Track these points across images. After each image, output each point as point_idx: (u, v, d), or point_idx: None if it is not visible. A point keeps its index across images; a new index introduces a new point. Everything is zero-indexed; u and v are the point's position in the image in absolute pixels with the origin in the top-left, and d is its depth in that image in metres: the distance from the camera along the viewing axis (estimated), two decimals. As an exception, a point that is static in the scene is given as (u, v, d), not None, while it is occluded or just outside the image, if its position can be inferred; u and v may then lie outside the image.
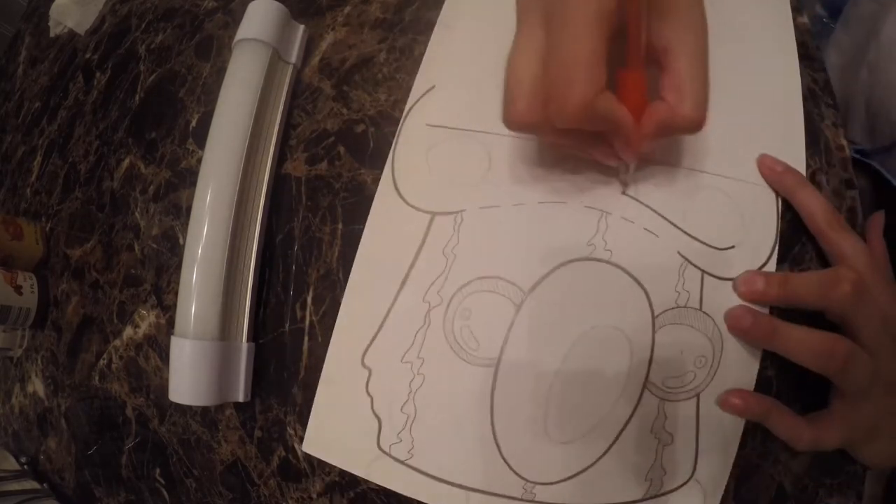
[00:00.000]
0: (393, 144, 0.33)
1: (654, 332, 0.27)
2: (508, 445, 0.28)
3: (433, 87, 0.34)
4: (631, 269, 0.28)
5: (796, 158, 0.29)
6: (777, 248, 0.28)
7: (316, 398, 0.31)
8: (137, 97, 0.46)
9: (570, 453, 0.27)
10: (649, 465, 0.26)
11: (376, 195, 0.32)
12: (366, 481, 0.30)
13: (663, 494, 0.26)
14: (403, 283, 0.30)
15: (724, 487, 0.26)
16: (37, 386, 0.46)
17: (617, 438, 0.27)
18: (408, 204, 0.32)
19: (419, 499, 0.28)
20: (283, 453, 0.32)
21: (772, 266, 0.27)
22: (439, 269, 0.30)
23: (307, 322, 0.33)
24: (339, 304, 0.32)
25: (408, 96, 0.34)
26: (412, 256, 0.31)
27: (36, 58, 0.63)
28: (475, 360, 0.28)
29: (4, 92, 0.66)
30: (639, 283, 0.28)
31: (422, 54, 0.35)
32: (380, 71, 0.36)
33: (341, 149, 0.35)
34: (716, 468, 0.26)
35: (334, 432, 0.30)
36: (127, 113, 0.47)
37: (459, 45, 0.34)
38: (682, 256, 0.28)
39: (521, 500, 0.27)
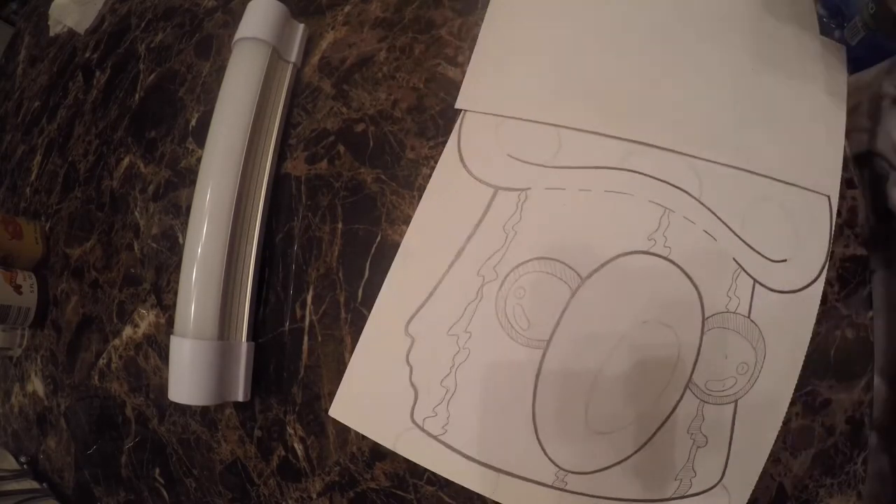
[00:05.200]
0: (461, 114, 0.33)
1: (702, 333, 0.27)
2: (546, 431, 0.27)
3: (494, 72, 0.33)
4: (687, 269, 0.28)
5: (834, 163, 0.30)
6: (827, 267, 0.28)
7: (350, 362, 0.30)
8: (137, 96, 0.46)
9: (606, 445, 0.27)
10: (681, 465, 0.26)
11: (439, 162, 0.32)
12: (366, 481, 0.30)
13: (690, 496, 0.26)
14: (459, 254, 0.30)
15: (749, 496, 0.26)
16: (36, 385, 0.46)
17: (654, 434, 0.27)
18: (472, 175, 0.31)
19: (447, 476, 0.28)
20: (283, 453, 0.32)
21: (820, 284, 0.28)
22: (497, 244, 0.30)
23: (307, 321, 0.33)
24: (339, 303, 0.32)
25: (410, 95, 0.34)
26: (471, 228, 0.30)
27: (35, 57, 0.63)
28: (524, 340, 0.28)
29: (4, 91, 0.66)
30: (693, 283, 0.28)
31: (422, 53, 0.35)
32: (380, 70, 0.36)
33: (341, 148, 0.35)
34: (744, 476, 0.26)
35: (366, 400, 0.30)
36: (126, 112, 0.46)
37: (518, 27, 0.34)
38: (737, 263, 0.28)
39: (552, 487, 0.27)
